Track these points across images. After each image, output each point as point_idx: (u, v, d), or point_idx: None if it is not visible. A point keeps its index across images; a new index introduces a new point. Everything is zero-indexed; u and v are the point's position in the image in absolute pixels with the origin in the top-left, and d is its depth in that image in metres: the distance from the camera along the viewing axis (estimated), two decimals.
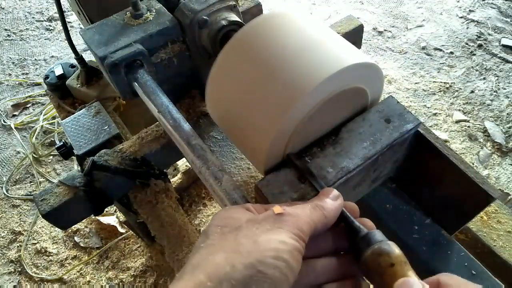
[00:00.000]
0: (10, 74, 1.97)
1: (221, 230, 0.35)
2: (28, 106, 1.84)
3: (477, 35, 1.93)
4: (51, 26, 2.21)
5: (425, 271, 0.54)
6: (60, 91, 1.06)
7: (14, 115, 1.81)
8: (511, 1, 2.07)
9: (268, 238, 0.33)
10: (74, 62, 1.04)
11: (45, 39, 2.14)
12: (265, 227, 0.34)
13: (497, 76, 1.77)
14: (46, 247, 1.37)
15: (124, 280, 1.27)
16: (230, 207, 0.39)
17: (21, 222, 1.45)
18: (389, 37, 1.98)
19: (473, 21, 2.00)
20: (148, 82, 0.64)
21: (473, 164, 1.50)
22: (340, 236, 0.40)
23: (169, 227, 0.75)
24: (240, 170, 0.69)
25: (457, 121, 1.62)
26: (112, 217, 1.39)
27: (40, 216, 0.72)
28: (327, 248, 0.40)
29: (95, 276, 1.30)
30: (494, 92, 1.71)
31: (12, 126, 1.74)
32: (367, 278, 0.37)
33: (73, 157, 0.81)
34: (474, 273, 0.57)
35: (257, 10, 0.84)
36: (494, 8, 2.06)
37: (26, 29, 2.20)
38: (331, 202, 0.39)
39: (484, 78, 1.76)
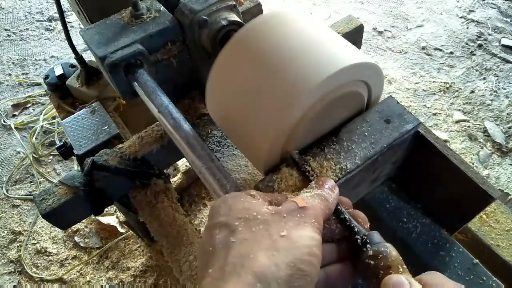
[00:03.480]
0: (10, 74, 1.97)
1: (246, 223, 0.35)
2: (28, 106, 1.84)
3: (477, 35, 1.93)
4: (51, 26, 2.21)
5: (424, 271, 0.54)
6: (60, 91, 1.06)
7: (14, 115, 1.81)
8: (511, 1, 2.07)
9: (299, 234, 0.34)
10: (74, 62, 1.04)
11: (45, 39, 2.14)
12: (291, 221, 0.35)
13: (497, 76, 1.77)
14: (46, 247, 1.37)
15: (124, 280, 1.27)
16: (235, 195, 0.39)
17: (21, 222, 1.45)
18: (389, 37, 1.98)
19: (473, 21, 2.00)
20: (148, 82, 0.64)
21: (473, 164, 1.50)
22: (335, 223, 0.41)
23: (168, 227, 0.75)
24: (240, 169, 0.70)
25: (457, 121, 1.62)
26: (112, 217, 1.39)
27: (40, 216, 0.72)
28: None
29: (95, 276, 1.30)
30: (494, 92, 1.71)
31: (12, 126, 1.74)
32: (365, 279, 0.37)
33: (73, 157, 0.81)
34: (474, 273, 0.57)
35: (257, 10, 0.84)
36: (494, 8, 2.06)
37: (26, 29, 2.20)
38: (331, 193, 0.40)
39: (484, 78, 1.76)
